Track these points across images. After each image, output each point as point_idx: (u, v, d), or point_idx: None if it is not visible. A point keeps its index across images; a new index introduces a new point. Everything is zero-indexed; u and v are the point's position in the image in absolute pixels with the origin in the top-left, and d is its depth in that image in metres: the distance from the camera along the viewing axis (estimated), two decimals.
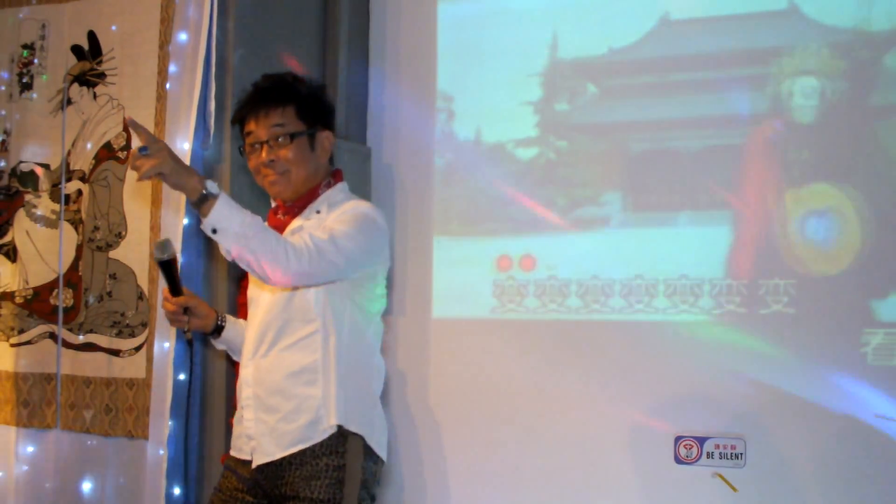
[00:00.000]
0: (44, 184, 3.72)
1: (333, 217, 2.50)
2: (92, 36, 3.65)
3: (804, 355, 3.59)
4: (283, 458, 2.44)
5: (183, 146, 3.31)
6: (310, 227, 2.48)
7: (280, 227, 2.53)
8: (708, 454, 3.64)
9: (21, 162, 3.77)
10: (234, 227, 2.21)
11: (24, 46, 3.76)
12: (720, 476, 3.62)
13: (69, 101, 3.67)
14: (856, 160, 3.54)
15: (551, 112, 3.94)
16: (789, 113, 3.63)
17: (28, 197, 3.75)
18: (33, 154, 3.75)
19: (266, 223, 2.37)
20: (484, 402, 3.95)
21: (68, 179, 3.66)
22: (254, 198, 3.45)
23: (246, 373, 2.52)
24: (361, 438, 2.52)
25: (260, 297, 2.58)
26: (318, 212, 2.54)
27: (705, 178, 3.73)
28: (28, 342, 3.69)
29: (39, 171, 3.73)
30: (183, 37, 3.39)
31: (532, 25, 3.97)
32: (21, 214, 3.76)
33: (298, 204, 2.57)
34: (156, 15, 3.51)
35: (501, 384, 3.93)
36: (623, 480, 3.75)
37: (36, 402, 3.62)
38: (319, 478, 2.42)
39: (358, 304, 2.54)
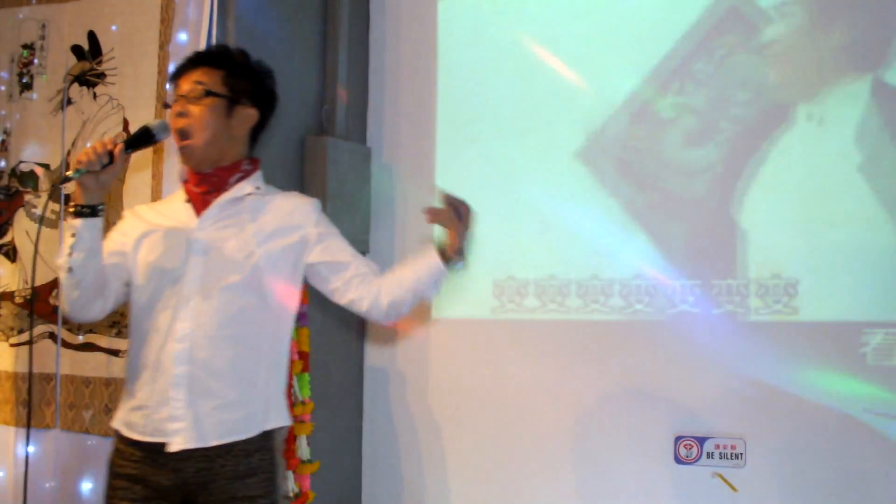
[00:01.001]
0: (44, 184, 3.72)
1: (317, 218, 2.50)
2: (92, 36, 3.65)
3: (804, 355, 3.59)
4: (214, 449, 2.36)
5: None
6: (269, 229, 2.43)
7: (198, 201, 2.44)
8: (708, 454, 3.64)
9: (21, 162, 3.77)
10: None
11: (24, 46, 3.76)
12: (720, 476, 3.62)
13: (69, 101, 3.67)
14: None
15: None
16: None
17: (28, 197, 3.75)
18: (33, 154, 3.75)
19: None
20: (484, 402, 3.95)
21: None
22: None
23: (178, 348, 2.36)
24: (281, 428, 2.51)
25: (202, 268, 2.41)
26: (248, 195, 2.45)
27: (700, 185, 3.73)
28: (28, 342, 3.69)
29: (39, 171, 3.73)
30: (183, 37, 3.40)
31: (532, 24, 3.98)
32: (21, 214, 3.76)
33: (217, 177, 2.45)
34: (156, 15, 3.51)
35: (501, 384, 3.93)
36: (623, 480, 3.75)
37: (35, 402, 3.62)
38: (255, 474, 2.38)
39: (297, 298, 2.54)
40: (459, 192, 4.00)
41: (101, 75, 3.62)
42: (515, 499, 3.90)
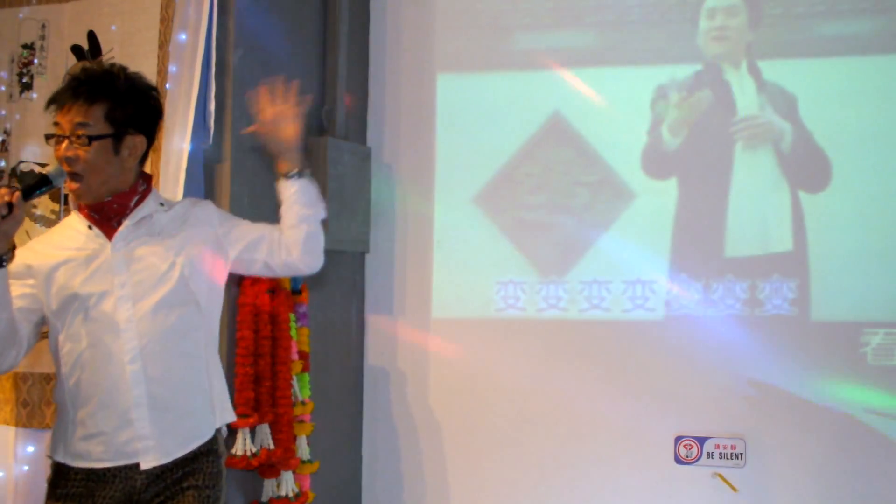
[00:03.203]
0: None
1: (219, 216, 2.52)
2: (92, 36, 3.65)
3: (805, 355, 3.59)
4: (175, 459, 2.40)
5: (181, 146, 3.31)
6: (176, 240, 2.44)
7: (103, 226, 2.42)
8: (708, 454, 3.64)
9: (21, 162, 3.76)
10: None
11: (24, 46, 3.76)
12: (720, 476, 3.62)
13: None
14: None
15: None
16: None
17: None
18: (33, 154, 3.74)
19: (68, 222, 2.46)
20: (484, 402, 3.95)
21: None
22: (253, 198, 3.46)
23: (132, 369, 2.35)
24: (225, 425, 2.55)
25: (130, 292, 2.40)
26: (154, 212, 2.45)
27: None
28: None
29: (39, 171, 3.73)
30: (182, 37, 3.39)
31: (531, 23, 3.98)
32: None
33: (118, 203, 2.42)
34: (156, 15, 3.51)
35: (501, 384, 3.93)
36: (623, 480, 3.75)
37: (35, 402, 3.61)
38: (203, 471, 2.42)
39: (222, 293, 2.57)
40: (459, 192, 4.04)
41: None
42: (515, 499, 3.89)
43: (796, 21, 3.66)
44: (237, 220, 2.57)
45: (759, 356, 3.63)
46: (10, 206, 2.22)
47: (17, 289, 2.39)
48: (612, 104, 3.88)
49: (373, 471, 4.12)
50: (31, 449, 3.64)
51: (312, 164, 3.78)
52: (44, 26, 3.74)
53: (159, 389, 2.38)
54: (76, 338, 2.39)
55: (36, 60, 3.75)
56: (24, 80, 3.76)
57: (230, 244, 2.50)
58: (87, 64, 2.44)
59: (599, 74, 3.90)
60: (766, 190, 3.69)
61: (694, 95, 3.77)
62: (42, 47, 3.74)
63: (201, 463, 2.43)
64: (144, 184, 2.48)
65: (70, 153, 2.35)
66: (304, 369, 3.59)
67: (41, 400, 3.62)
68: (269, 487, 3.47)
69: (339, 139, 3.90)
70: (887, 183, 3.57)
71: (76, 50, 3.69)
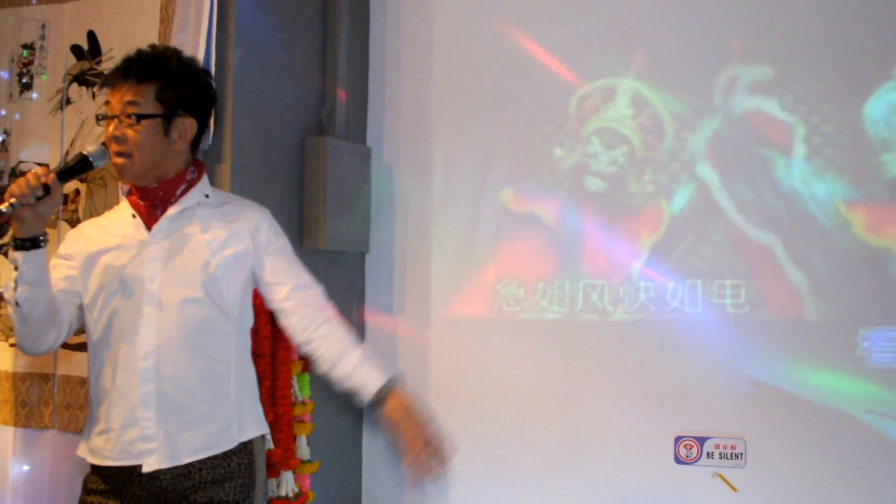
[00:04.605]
0: None
1: (267, 229, 2.43)
2: (92, 36, 3.64)
3: (804, 355, 3.59)
4: (190, 463, 2.32)
5: None
6: (222, 237, 2.38)
7: (146, 215, 2.37)
8: (708, 454, 3.64)
9: (21, 162, 3.76)
10: None
11: (24, 46, 3.76)
12: (720, 476, 3.62)
13: (68, 101, 3.67)
14: None
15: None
16: None
17: None
18: (33, 154, 3.74)
19: (127, 202, 2.38)
20: (484, 402, 3.95)
21: None
22: (253, 198, 3.45)
23: (144, 365, 2.31)
24: (262, 438, 2.47)
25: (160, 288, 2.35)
26: (198, 203, 2.39)
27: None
28: None
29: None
30: (182, 37, 3.39)
31: (530, 23, 3.98)
32: None
33: (163, 190, 2.37)
34: (156, 15, 3.51)
35: (501, 384, 3.93)
36: (623, 480, 3.75)
37: (34, 403, 3.61)
38: (233, 479, 2.35)
39: (250, 301, 2.49)
40: (459, 193, 4.03)
41: (101, 75, 3.62)
42: (515, 499, 3.89)
43: None
44: (283, 245, 2.45)
45: (759, 356, 3.63)
46: (45, 187, 2.18)
47: (62, 270, 2.37)
48: (612, 107, 3.89)
49: (373, 471, 4.12)
50: (29, 449, 3.64)
51: (313, 164, 3.79)
52: (44, 26, 3.74)
53: (171, 389, 2.31)
54: (100, 330, 2.36)
55: (36, 60, 3.75)
56: (24, 80, 3.76)
57: (263, 265, 2.41)
58: (141, 47, 2.39)
59: (600, 74, 3.91)
60: (767, 195, 3.70)
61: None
62: (42, 47, 3.74)
63: (233, 468, 2.35)
64: (195, 171, 2.42)
65: (118, 132, 2.30)
66: (304, 369, 3.59)
67: (40, 400, 3.62)
68: (269, 487, 3.47)
69: (339, 139, 3.90)
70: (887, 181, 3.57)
71: (76, 50, 3.69)
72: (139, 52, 2.39)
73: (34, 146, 3.75)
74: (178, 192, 2.38)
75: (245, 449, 2.39)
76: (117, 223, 2.43)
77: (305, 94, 3.87)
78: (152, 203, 2.37)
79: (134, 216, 2.39)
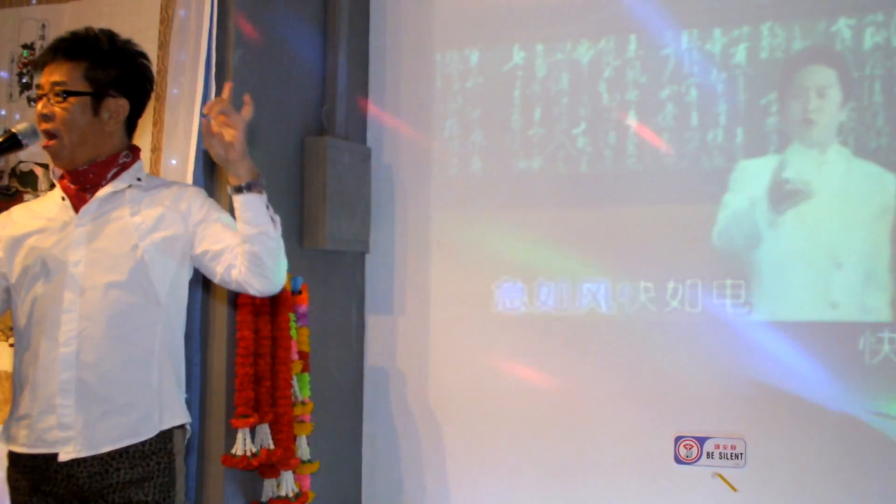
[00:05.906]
0: (43, 184, 3.71)
1: (199, 207, 2.34)
2: None
3: (804, 355, 3.59)
4: (107, 454, 2.26)
5: (184, 147, 3.31)
6: (155, 216, 2.31)
7: (75, 198, 2.32)
8: (708, 454, 3.64)
9: (21, 162, 3.76)
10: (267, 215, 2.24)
11: (24, 46, 3.76)
12: (720, 476, 3.62)
13: None
14: None
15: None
16: None
17: (28, 197, 3.74)
18: (33, 154, 3.74)
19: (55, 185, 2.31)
20: (484, 402, 3.95)
21: None
22: None
23: (64, 352, 2.24)
24: (182, 429, 2.39)
25: (82, 273, 2.29)
26: (129, 187, 2.33)
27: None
28: None
29: (39, 171, 3.73)
30: (183, 37, 3.39)
31: (531, 24, 3.98)
32: None
33: (93, 173, 2.32)
34: (156, 15, 3.51)
35: (501, 384, 3.93)
36: (623, 480, 3.75)
37: None
38: (152, 478, 2.28)
39: (186, 289, 2.42)
40: (459, 193, 4.04)
41: None
42: (515, 498, 3.89)
43: None
44: (218, 216, 2.36)
45: (759, 356, 3.63)
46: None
47: None
48: (615, 111, 3.89)
49: (373, 471, 4.12)
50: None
51: (313, 164, 3.79)
52: (44, 26, 3.74)
53: (91, 377, 2.24)
54: (24, 314, 2.31)
55: None
56: (24, 80, 3.76)
57: (197, 241, 2.32)
58: (75, 29, 2.37)
59: (601, 74, 3.91)
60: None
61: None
62: (42, 47, 3.75)
63: (152, 467, 2.29)
64: (130, 155, 2.37)
65: (46, 110, 2.27)
66: (304, 369, 3.59)
67: None
68: (269, 487, 3.47)
69: (338, 139, 3.90)
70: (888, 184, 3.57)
71: None
72: (71, 33, 2.35)
73: (34, 146, 3.75)
74: (110, 175, 2.33)
75: (165, 448, 2.32)
76: (46, 207, 2.38)
77: (305, 94, 3.87)
78: (83, 186, 2.32)
79: (63, 199, 2.34)
